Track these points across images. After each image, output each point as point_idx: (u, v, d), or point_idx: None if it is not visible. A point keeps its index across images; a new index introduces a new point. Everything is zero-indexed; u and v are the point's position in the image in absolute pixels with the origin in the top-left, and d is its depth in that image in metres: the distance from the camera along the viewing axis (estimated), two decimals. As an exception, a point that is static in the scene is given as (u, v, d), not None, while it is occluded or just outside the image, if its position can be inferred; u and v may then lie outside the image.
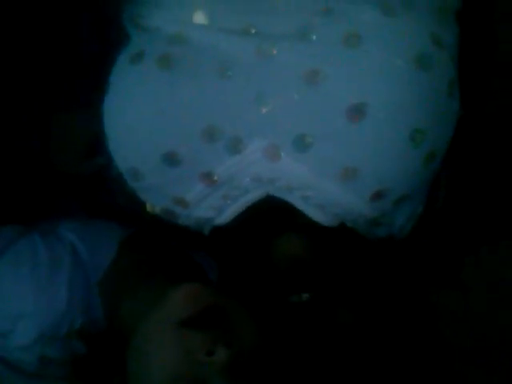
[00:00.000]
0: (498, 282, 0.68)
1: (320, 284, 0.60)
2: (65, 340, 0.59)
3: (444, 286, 0.68)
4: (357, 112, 0.51)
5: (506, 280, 0.68)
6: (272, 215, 0.60)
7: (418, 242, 0.63)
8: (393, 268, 0.65)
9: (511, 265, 0.68)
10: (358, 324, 0.60)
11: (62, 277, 0.60)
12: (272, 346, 0.56)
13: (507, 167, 0.68)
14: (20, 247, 0.61)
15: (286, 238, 0.61)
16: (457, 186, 0.64)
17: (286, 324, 0.59)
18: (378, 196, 0.54)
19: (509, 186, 0.68)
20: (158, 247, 0.67)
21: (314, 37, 0.53)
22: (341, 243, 0.62)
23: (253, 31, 0.53)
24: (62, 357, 0.59)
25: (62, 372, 0.59)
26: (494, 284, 0.68)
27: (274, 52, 0.53)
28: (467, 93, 0.58)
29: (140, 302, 0.59)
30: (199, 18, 0.55)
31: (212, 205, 0.57)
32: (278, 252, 0.62)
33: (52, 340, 0.59)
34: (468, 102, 0.58)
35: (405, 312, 0.64)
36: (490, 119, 0.68)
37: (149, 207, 0.62)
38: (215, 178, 0.55)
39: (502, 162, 0.68)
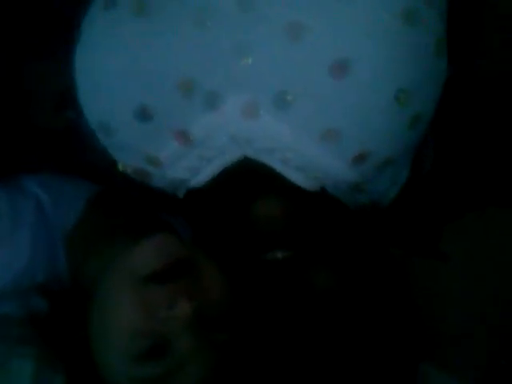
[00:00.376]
0: (479, 251, 0.68)
1: (296, 244, 0.58)
2: (24, 297, 0.57)
3: (422, 254, 0.67)
4: (340, 68, 0.49)
5: (488, 248, 0.67)
6: (250, 178, 0.58)
7: (403, 207, 0.62)
8: (374, 233, 0.64)
9: (495, 232, 0.67)
10: (339, 288, 0.59)
11: (25, 231, 0.58)
12: (242, 303, 0.54)
13: (497, 132, 0.67)
14: None
15: (263, 200, 0.59)
16: (444, 151, 0.62)
17: (261, 282, 0.58)
18: (360, 159, 0.53)
19: (498, 151, 0.67)
20: (126, 206, 0.65)
21: None
22: (321, 206, 0.60)
23: None
24: (21, 315, 0.57)
25: (20, 332, 0.56)
26: (476, 252, 0.67)
27: (256, 2, 0.50)
28: (456, 53, 0.56)
29: (104, 258, 0.57)
30: None
31: (187, 165, 0.55)
32: (255, 213, 0.60)
33: (11, 296, 0.57)
34: (457, 62, 0.56)
35: (380, 280, 0.63)
36: (480, 81, 0.67)
37: (121, 166, 0.59)
38: (190, 136, 0.53)
39: (492, 126, 0.67)
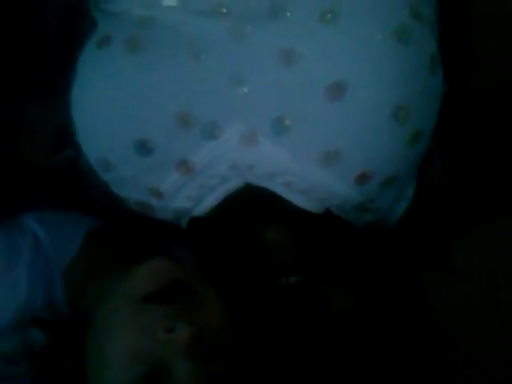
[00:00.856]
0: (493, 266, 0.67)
1: (307, 266, 0.58)
2: (22, 331, 0.56)
3: (434, 269, 0.66)
4: (336, 90, 0.49)
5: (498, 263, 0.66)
6: (254, 205, 0.58)
7: (413, 223, 0.61)
8: (384, 251, 0.64)
9: (504, 247, 0.67)
10: (356, 307, 0.58)
11: (21, 269, 0.57)
12: (245, 331, 0.53)
13: (501, 143, 0.66)
14: None
15: (269, 228, 0.59)
16: (450, 166, 0.62)
17: (276, 308, 0.57)
18: (362, 178, 0.52)
19: (503, 163, 0.66)
20: (127, 238, 0.64)
21: (288, 14, 0.50)
22: (328, 227, 0.60)
23: (224, 11, 0.51)
24: (18, 351, 0.56)
25: (15, 370, 0.55)
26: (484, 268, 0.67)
27: (248, 31, 0.50)
28: (451, 69, 0.56)
29: (103, 287, 0.56)
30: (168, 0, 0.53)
31: (189, 195, 0.55)
32: (263, 242, 0.59)
33: (8, 332, 0.56)
34: (452, 77, 0.57)
35: (398, 295, 0.62)
36: (478, 95, 0.67)
37: (124, 200, 0.59)
38: (191, 165, 0.53)
39: (496, 139, 0.67)
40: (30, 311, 0.57)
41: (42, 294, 0.58)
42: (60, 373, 0.53)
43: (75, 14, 0.61)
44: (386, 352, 0.57)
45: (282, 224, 0.59)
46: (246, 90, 0.50)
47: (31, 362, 0.54)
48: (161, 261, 0.54)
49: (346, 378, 0.55)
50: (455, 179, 0.63)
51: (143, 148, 0.52)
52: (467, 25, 0.66)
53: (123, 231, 0.65)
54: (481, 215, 0.66)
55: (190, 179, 0.54)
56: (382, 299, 0.60)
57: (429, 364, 0.59)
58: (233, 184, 0.54)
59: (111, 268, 0.58)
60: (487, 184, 0.65)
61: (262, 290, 0.59)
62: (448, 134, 0.58)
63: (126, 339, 0.50)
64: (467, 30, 0.66)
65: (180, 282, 0.52)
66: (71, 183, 0.67)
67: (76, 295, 0.59)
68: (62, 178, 0.68)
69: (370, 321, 0.58)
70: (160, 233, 0.64)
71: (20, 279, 0.57)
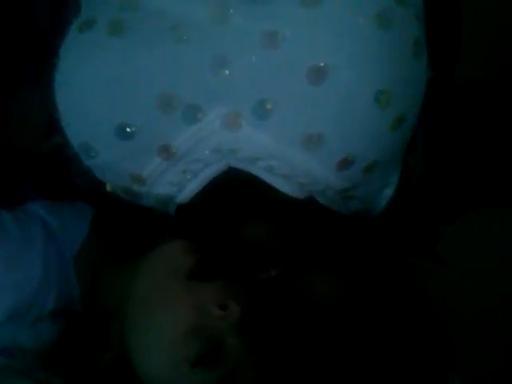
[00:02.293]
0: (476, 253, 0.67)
1: (288, 258, 0.58)
2: (33, 324, 0.57)
3: (421, 257, 0.66)
4: (318, 74, 0.49)
5: (484, 250, 0.67)
6: (237, 191, 0.58)
7: (397, 212, 0.62)
8: (371, 237, 0.64)
9: (490, 234, 0.67)
10: (343, 296, 0.58)
11: (35, 252, 0.57)
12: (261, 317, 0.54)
13: (486, 133, 0.67)
14: None
15: (251, 225, 0.60)
16: (434, 155, 0.62)
17: (261, 301, 0.58)
18: (345, 163, 0.53)
19: (489, 153, 0.67)
20: (126, 225, 0.66)
21: None
22: (311, 216, 0.60)
23: None
24: (31, 344, 0.57)
25: (27, 363, 0.56)
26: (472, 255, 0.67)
27: (230, 14, 0.51)
28: (437, 54, 0.56)
29: (120, 274, 0.57)
30: None
31: (171, 181, 0.55)
32: (245, 238, 0.60)
33: (21, 323, 0.56)
34: (438, 64, 0.57)
35: (388, 280, 0.63)
36: (463, 83, 0.67)
37: (109, 187, 0.59)
38: (173, 150, 0.53)
39: (481, 128, 0.67)
40: (42, 298, 0.57)
41: (55, 282, 0.58)
42: (84, 364, 0.54)
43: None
44: (378, 339, 0.57)
45: (262, 220, 0.59)
46: (227, 72, 0.51)
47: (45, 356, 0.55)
48: (185, 241, 0.55)
49: (338, 367, 0.56)
50: (439, 168, 0.63)
51: (124, 132, 0.52)
52: (455, 10, 0.66)
53: (119, 218, 0.66)
54: (465, 203, 0.67)
55: (172, 164, 0.54)
56: (370, 285, 0.60)
57: (425, 352, 0.60)
58: (215, 168, 0.54)
59: (123, 256, 0.59)
60: (471, 172, 0.65)
61: (246, 283, 0.59)
62: (432, 122, 0.58)
63: (179, 316, 0.51)
64: (455, 15, 0.66)
65: (211, 259, 0.53)
66: (59, 171, 0.67)
67: (89, 281, 0.59)
68: (50, 166, 0.69)
69: (358, 308, 0.58)
70: (151, 223, 0.65)
71: (34, 264, 0.57)
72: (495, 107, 0.66)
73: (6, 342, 0.56)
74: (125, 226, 0.66)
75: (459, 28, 0.64)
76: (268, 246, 0.59)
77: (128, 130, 0.52)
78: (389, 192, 0.60)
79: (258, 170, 0.54)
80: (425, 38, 0.55)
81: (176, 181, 0.55)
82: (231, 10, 0.51)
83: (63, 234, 0.61)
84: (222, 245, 0.59)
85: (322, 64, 0.49)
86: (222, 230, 0.59)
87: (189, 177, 0.55)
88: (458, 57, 0.64)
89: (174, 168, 0.54)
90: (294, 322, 0.57)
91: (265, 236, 0.59)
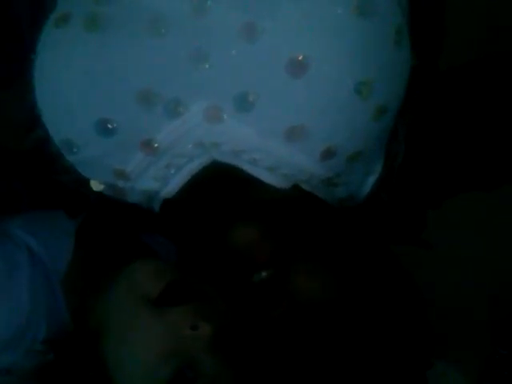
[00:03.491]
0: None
1: (277, 260, 0.59)
2: (27, 352, 0.57)
3: (407, 243, 0.67)
4: (298, 66, 0.49)
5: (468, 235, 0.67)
6: (224, 190, 0.58)
7: (380, 199, 0.62)
8: (358, 227, 0.64)
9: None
10: (335, 297, 0.59)
11: (22, 283, 0.58)
12: (243, 326, 0.56)
13: (469, 119, 0.67)
14: None
15: (239, 227, 0.60)
16: (416, 140, 0.63)
17: (253, 303, 0.58)
18: (328, 153, 0.53)
19: (471, 139, 0.67)
20: (109, 234, 0.65)
21: None
22: (299, 209, 0.60)
23: None
24: (28, 365, 0.57)
25: (25, 377, 0.57)
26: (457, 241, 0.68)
27: (208, 6, 0.50)
28: (420, 42, 0.56)
29: (100, 295, 0.58)
30: None
31: (155, 175, 0.55)
32: (232, 241, 0.60)
33: (14, 348, 0.57)
34: (421, 51, 0.57)
35: (379, 275, 0.63)
36: (448, 71, 0.67)
37: (93, 184, 0.59)
38: (155, 145, 0.53)
39: (463, 114, 0.67)
40: (32, 329, 0.57)
41: (44, 310, 0.58)
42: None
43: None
44: (369, 335, 0.58)
45: (250, 220, 0.59)
46: (207, 65, 0.51)
47: (40, 377, 0.56)
48: (155, 263, 0.57)
49: (332, 367, 0.57)
50: (421, 153, 0.64)
51: (105, 128, 0.52)
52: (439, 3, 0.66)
53: (103, 223, 0.66)
54: (449, 188, 0.67)
55: (155, 159, 0.54)
56: (359, 283, 0.61)
57: (409, 341, 0.61)
58: (199, 162, 0.55)
59: (108, 275, 0.60)
60: (454, 157, 0.66)
61: (235, 286, 0.60)
62: (414, 110, 0.58)
63: (152, 340, 0.53)
64: (439, 2, 0.66)
65: (179, 283, 0.55)
66: (44, 168, 0.67)
67: (78, 304, 0.60)
68: (35, 164, 0.68)
69: (348, 309, 0.59)
70: (138, 221, 0.65)
71: (21, 296, 0.57)
72: (477, 92, 0.66)
73: (2, 365, 0.57)
74: (110, 234, 0.66)
75: (442, 15, 0.64)
76: (257, 247, 0.59)
77: (109, 125, 0.52)
78: (373, 179, 0.61)
79: (242, 163, 0.54)
80: (408, 26, 0.55)
81: (160, 175, 0.55)
82: (209, 2, 0.51)
83: (48, 257, 0.61)
84: (210, 246, 0.60)
85: (301, 56, 0.49)
86: (209, 231, 0.59)
87: (172, 171, 0.55)
88: (441, 44, 0.64)
89: (157, 163, 0.54)
90: (285, 325, 0.58)
91: (253, 236, 0.59)
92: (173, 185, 0.56)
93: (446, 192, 0.67)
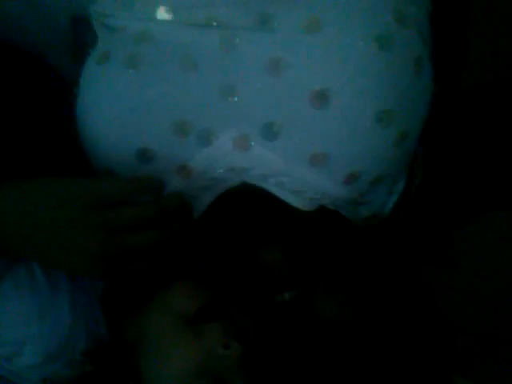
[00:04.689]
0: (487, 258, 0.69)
1: (301, 281, 0.62)
2: (68, 363, 0.61)
3: (434, 264, 0.69)
4: (320, 98, 0.53)
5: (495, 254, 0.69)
6: (253, 212, 0.61)
7: (402, 220, 0.64)
8: (381, 250, 0.67)
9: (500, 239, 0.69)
10: (356, 317, 0.62)
11: (63, 299, 0.61)
12: (268, 345, 0.59)
13: (489, 139, 0.69)
14: (18, 273, 0.61)
15: (266, 249, 0.63)
16: (438, 162, 0.65)
17: (276, 324, 0.62)
18: (351, 178, 0.56)
19: (493, 157, 0.68)
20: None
21: (276, 24, 0.54)
22: (324, 230, 0.63)
23: (214, 24, 0.55)
24: (68, 374, 0.62)
25: None
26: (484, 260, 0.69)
27: (236, 42, 0.54)
28: (443, 68, 0.59)
29: (139, 313, 0.62)
30: (162, 14, 0.57)
31: (189, 195, 0.60)
32: (260, 262, 0.63)
33: (57, 363, 0.61)
34: (443, 76, 0.59)
35: (402, 294, 0.65)
36: (467, 93, 0.69)
37: None
38: (189, 170, 0.57)
39: (483, 134, 0.69)
40: (72, 343, 0.61)
41: (84, 325, 0.62)
42: None
43: (83, 24, 0.65)
44: (389, 357, 0.60)
45: (277, 244, 0.62)
46: (236, 99, 0.55)
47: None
48: (190, 283, 0.60)
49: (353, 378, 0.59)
50: (446, 173, 0.65)
51: (144, 156, 0.57)
52: (462, 22, 0.68)
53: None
54: (475, 208, 0.69)
55: (189, 183, 0.59)
56: (382, 302, 0.63)
57: (435, 367, 0.62)
58: (230, 184, 0.59)
59: (146, 293, 0.63)
60: (479, 178, 0.67)
61: (261, 306, 0.63)
62: (437, 131, 0.60)
63: (188, 357, 0.56)
64: (461, 28, 0.68)
65: (213, 303, 0.58)
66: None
67: (115, 317, 0.63)
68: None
69: (368, 327, 0.61)
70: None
71: (63, 311, 0.61)
72: (496, 111, 0.67)
73: (45, 375, 0.61)
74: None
75: (466, 40, 0.66)
76: (282, 269, 0.62)
77: (147, 154, 0.56)
78: (394, 197, 0.63)
79: (269, 186, 0.58)
80: (430, 54, 0.57)
81: (192, 195, 0.60)
82: (237, 39, 0.55)
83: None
84: (238, 265, 0.63)
85: (323, 89, 0.53)
86: (237, 250, 0.63)
87: (205, 192, 0.59)
88: (462, 68, 0.66)
89: (190, 185, 0.59)
90: (307, 345, 0.60)
91: (279, 259, 0.62)
92: (204, 201, 0.60)
93: (470, 211, 0.69)
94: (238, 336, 0.57)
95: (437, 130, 0.61)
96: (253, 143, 0.56)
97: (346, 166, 0.55)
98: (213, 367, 0.56)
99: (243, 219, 0.61)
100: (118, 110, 0.56)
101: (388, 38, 0.54)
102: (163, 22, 0.57)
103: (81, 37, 0.67)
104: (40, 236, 0.54)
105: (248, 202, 0.61)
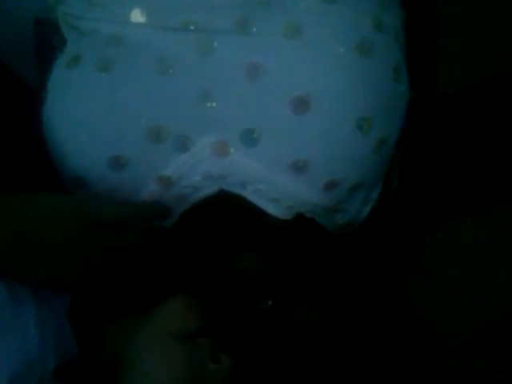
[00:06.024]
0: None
1: (280, 288, 0.61)
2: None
3: (406, 270, 0.70)
4: (301, 104, 0.53)
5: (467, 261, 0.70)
6: (229, 219, 0.60)
7: (376, 227, 0.65)
8: (354, 257, 0.67)
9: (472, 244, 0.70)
10: (326, 321, 0.62)
11: (29, 316, 0.59)
12: (256, 354, 0.58)
13: (464, 145, 0.70)
14: None
15: (242, 256, 0.63)
16: (412, 169, 0.66)
17: (261, 332, 0.61)
18: (330, 186, 0.56)
19: (466, 165, 0.70)
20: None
21: (254, 29, 0.54)
22: (301, 238, 0.63)
23: (191, 27, 0.54)
24: None
25: None
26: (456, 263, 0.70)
27: (214, 47, 0.54)
28: (418, 75, 0.60)
29: (120, 327, 0.60)
30: (136, 16, 0.56)
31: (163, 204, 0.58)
32: (237, 270, 0.63)
33: (24, 379, 0.58)
34: (419, 84, 0.60)
35: (375, 299, 0.66)
36: (442, 100, 0.70)
37: None
38: (165, 178, 0.56)
39: (459, 141, 0.70)
40: (41, 361, 0.58)
41: (53, 341, 0.59)
42: None
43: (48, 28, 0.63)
44: (368, 363, 0.60)
45: (254, 250, 0.61)
46: (214, 104, 0.54)
47: None
48: (187, 300, 0.59)
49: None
50: (418, 180, 0.67)
51: (117, 164, 0.55)
52: (432, 30, 0.69)
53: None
54: (446, 214, 0.70)
55: (164, 191, 0.57)
56: (357, 308, 0.63)
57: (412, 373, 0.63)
58: (207, 192, 0.58)
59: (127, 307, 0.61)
60: (451, 183, 0.69)
61: (242, 314, 0.62)
62: (409, 139, 0.61)
63: (177, 373, 0.55)
64: (432, 34, 0.69)
65: (211, 320, 0.58)
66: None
67: (85, 332, 0.61)
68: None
69: (343, 332, 0.61)
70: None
71: (29, 326, 0.58)
72: (471, 118, 0.69)
73: None
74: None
75: (437, 48, 0.67)
76: (260, 276, 0.61)
77: (120, 161, 0.55)
78: (369, 206, 0.63)
79: (247, 193, 0.58)
80: (405, 61, 0.58)
81: (168, 203, 0.58)
82: (215, 43, 0.54)
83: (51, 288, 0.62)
84: (216, 274, 0.62)
85: (304, 94, 0.52)
86: (214, 259, 0.62)
87: (180, 201, 0.58)
88: (435, 76, 0.67)
89: (167, 194, 0.57)
90: (289, 351, 0.60)
91: (256, 266, 0.61)
92: (178, 212, 0.59)
93: (442, 217, 0.70)
94: (228, 349, 0.56)
95: (412, 136, 0.62)
96: (232, 150, 0.55)
97: (326, 172, 0.55)
98: (202, 382, 0.55)
99: (219, 227, 0.60)
100: (89, 114, 0.55)
101: (368, 44, 0.54)
102: (138, 24, 0.55)
103: (45, 39, 0.64)
104: (33, 247, 0.55)
105: (224, 210, 0.60)
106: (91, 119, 0.54)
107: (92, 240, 0.54)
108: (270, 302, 0.61)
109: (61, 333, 0.60)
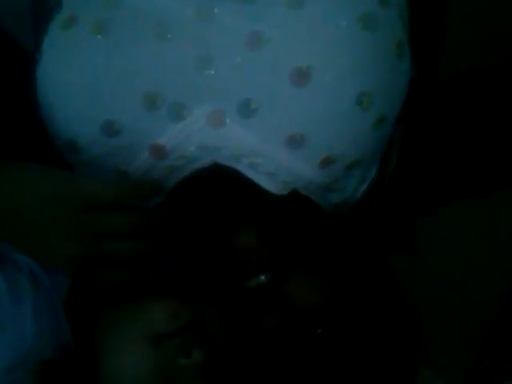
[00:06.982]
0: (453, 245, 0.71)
1: (276, 264, 0.61)
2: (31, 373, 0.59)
3: (398, 251, 0.70)
4: (301, 75, 0.52)
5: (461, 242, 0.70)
6: (224, 194, 0.60)
7: (372, 206, 0.64)
8: (348, 236, 0.67)
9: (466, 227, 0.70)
10: (323, 302, 0.61)
11: (26, 309, 0.59)
12: (240, 342, 0.59)
13: (463, 127, 0.70)
14: None
15: (240, 231, 0.62)
16: (409, 148, 0.65)
17: (250, 311, 0.61)
18: (327, 162, 0.56)
19: (463, 146, 0.70)
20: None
21: None
22: (296, 214, 0.62)
23: None
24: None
25: None
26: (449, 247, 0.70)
27: (215, 13, 0.53)
28: (420, 54, 0.59)
29: (106, 317, 0.60)
30: None
31: (156, 176, 0.57)
32: (234, 244, 0.62)
33: (19, 372, 0.58)
34: (421, 63, 0.59)
35: (367, 280, 0.66)
36: (443, 82, 0.70)
37: None
38: (159, 147, 0.55)
39: (458, 122, 0.70)
40: (37, 353, 0.58)
41: (49, 334, 0.59)
42: None
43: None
44: (359, 342, 0.60)
45: (250, 224, 0.61)
46: (212, 72, 0.53)
47: None
48: (175, 303, 0.59)
49: (321, 368, 0.59)
50: (413, 161, 0.66)
51: (110, 129, 0.54)
52: (439, 9, 0.68)
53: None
54: (441, 196, 0.70)
55: (158, 161, 0.56)
56: (352, 288, 0.63)
57: (396, 346, 0.63)
58: (201, 164, 0.57)
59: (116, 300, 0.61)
60: (446, 165, 0.68)
61: (233, 292, 0.62)
62: (409, 119, 0.61)
63: (150, 370, 0.56)
64: (438, 13, 0.69)
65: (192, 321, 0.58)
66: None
67: (82, 324, 0.61)
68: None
69: (339, 313, 0.61)
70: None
71: (26, 322, 0.58)
72: (471, 100, 0.69)
73: None
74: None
75: (442, 27, 0.67)
76: (257, 251, 0.61)
77: (114, 127, 0.54)
78: (365, 185, 0.63)
79: (242, 167, 0.57)
80: (408, 38, 0.58)
81: (160, 175, 0.57)
82: (216, 10, 0.53)
83: (50, 279, 0.62)
84: (210, 249, 0.62)
85: (304, 66, 0.52)
86: (208, 234, 0.61)
87: (174, 173, 0.57)
88: (439, 56, 0.66)
89: (159, 164, 0.57)
90: (281, 330, 0.60)
91: (254, 241, 0.60)
92: (171, 183, 0.58)
93: (438, 200, 0.70)
94: (201, 342, 0.57)
95: (412, 117, 0.62)
96: (228, 120, 0.54)
97: (323, 148, 0.55)
98: (174, 377, 0.56)
99: (214, 202, 0.60)
100: (84, 77, 0.54)
101: (372, 18, 0.53)
102: None
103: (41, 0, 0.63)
104: (18, 223, 0.54)
105: (219, 185, 0.60)
106: (85, 82, 0.53)
107: (77, 224, 0.53)
108: (263, 277, 0.60)
109: (57, 325, 0.60)
